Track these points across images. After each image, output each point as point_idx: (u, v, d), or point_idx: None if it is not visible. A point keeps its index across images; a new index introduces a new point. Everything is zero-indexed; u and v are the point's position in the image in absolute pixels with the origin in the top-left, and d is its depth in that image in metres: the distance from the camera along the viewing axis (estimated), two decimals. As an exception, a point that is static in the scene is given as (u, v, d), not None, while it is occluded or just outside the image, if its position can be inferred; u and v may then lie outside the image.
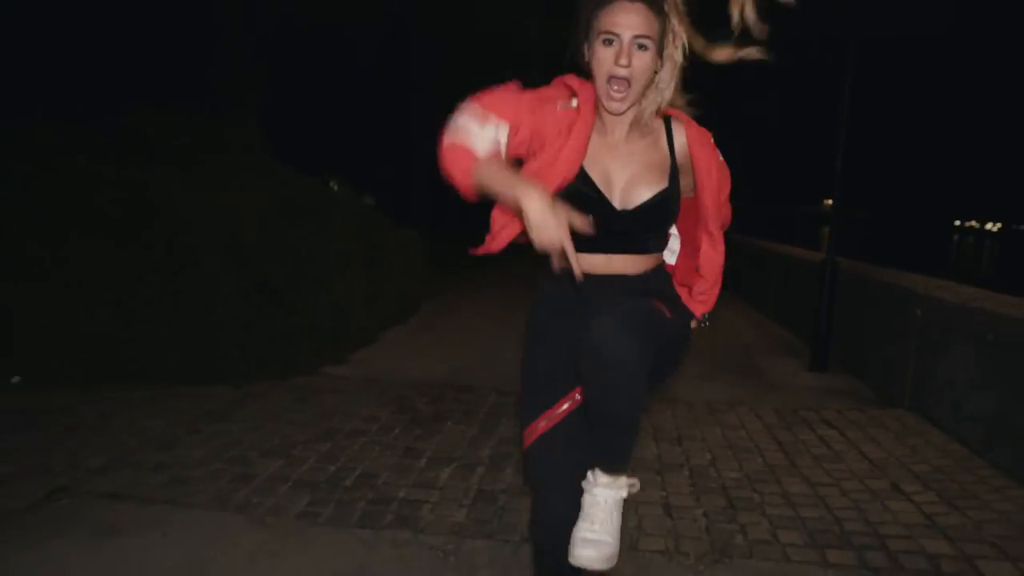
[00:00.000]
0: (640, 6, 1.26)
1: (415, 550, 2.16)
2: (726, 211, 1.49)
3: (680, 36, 1.33)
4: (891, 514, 2.47)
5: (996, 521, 2.40)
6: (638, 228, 1.37)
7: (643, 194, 1.34)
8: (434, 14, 9.77)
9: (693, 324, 1.52)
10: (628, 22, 1.25)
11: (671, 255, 1.56)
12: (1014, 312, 2.93)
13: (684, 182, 1.41)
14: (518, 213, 1.20)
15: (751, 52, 1.35)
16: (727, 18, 1.34)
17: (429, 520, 2.36)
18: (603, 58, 1.28)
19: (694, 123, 1.39)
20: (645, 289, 1.42)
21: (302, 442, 3.03)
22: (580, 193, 1.34)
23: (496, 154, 1.31)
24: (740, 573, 2.07)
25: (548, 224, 1.14)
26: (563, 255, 1.16)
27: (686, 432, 3.30)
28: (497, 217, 1.41)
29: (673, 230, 1.54)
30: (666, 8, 1.29)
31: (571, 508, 1.34)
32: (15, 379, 3.83)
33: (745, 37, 1.34)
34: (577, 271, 1.19)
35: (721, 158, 1.44)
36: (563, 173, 1.33)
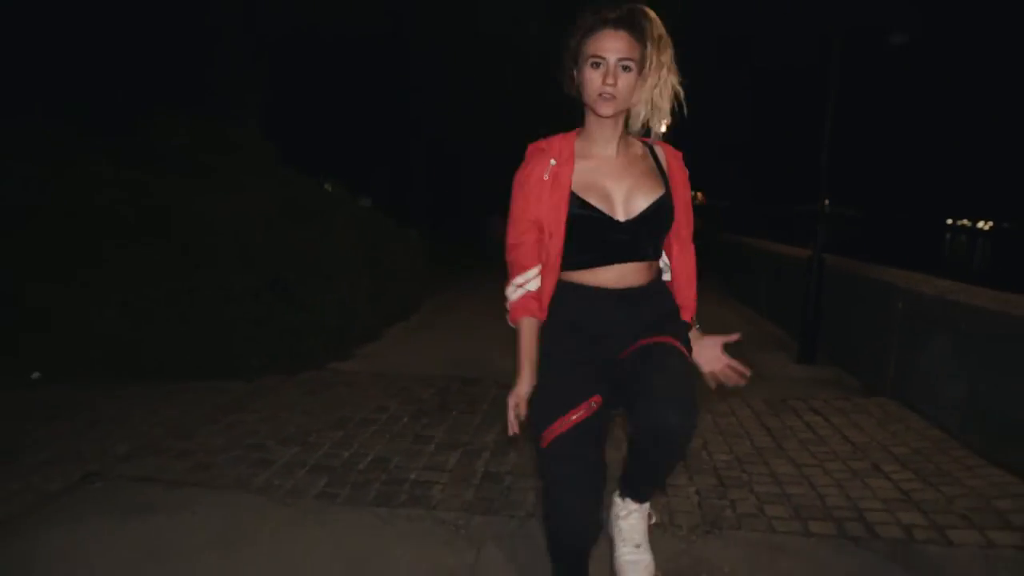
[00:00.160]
0: (623, 33, 1.45)
1: (429, 525, 2.33)
2: (692, 218, 1.70)
3: (660, 59, 1.50)
4: (870, 491, 2.64)
5: (967, 496, 2.59)
6: (641, 235, 1.53)
7: (642, 203, 1.51)
8: (434, 14, 9.89)
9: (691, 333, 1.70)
10: (614, 47, 1.44)
11: (666, 270, 1.73)
12: (984, 303, 3.12)
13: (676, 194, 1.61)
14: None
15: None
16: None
17: (440, 499, 2.53)
18: (592, 79, 1.46)
19: (668, 144, 1.61)
20: (652, 308, 1.59)
21: (316, 430, 3.19)
22: (583, 217, 1.52)
23: (534, 306, 1.59)
24: (729, 543, 2.24)
25: (510, 407, 1.53)
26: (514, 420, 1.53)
27: (680, 419, 3.47)
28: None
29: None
30: (646, 35, 1.47)
31: (581, 502, 1.50)
32: (35, 375, 3.98)
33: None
34: (511, 429, 1.54)
35: (687, 173, 1.65)
36: (564, 211, 1.52)
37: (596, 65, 1.45)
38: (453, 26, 9.96)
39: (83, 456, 2.81)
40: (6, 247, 3.88)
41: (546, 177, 1.53)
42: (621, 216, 1.52)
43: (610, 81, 1.44)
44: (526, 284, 1.58)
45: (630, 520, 1.69)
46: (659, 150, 1.62)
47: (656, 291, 1.63)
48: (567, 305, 1.59)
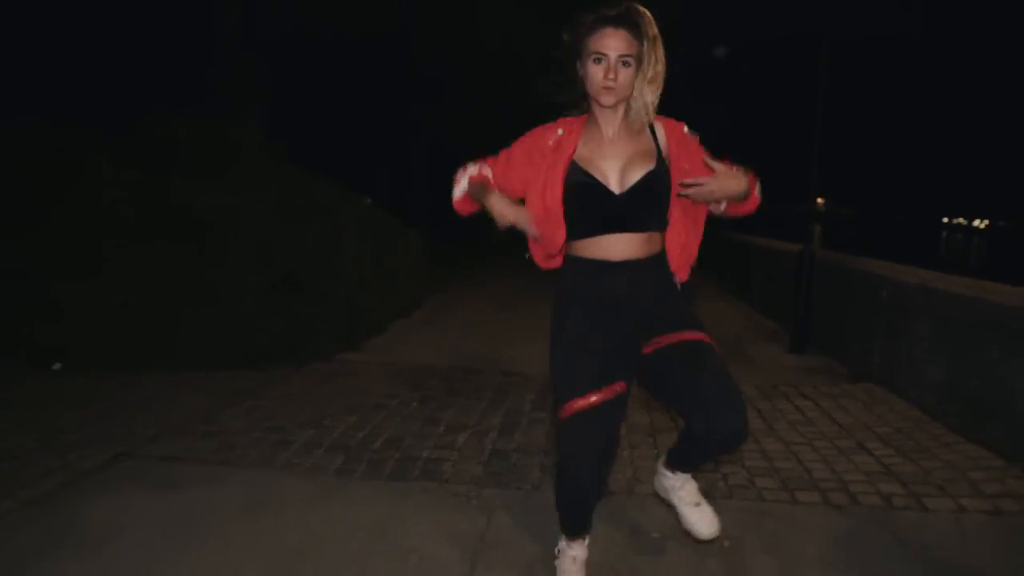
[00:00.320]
0: (623, 32, 1.62)
1: (442, 496, 2.50)
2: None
3: (655, 55, 1.66)
4: (854, 465, 2.82)
5: (943, 468, 2.77)
6: (637, 206, 1.69)
7: (634, 176, 1.68)
8: (434, 16, 9.98)
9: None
10: (614, 44, 1.61)
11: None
12: (961, 290, 3.31)
13: (675, 166, 1.71)
14: (488, 210, 1.67)
15: None
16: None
17: (451, 473, 2.70)
18: (594, 73, 1.63)
19: (669, 119, 1.76)
20: (656, 282, 1.74)
21: (330, 415, 3.36)
22: (582, 183, 1.69)
23: (481, 176, 1.76)
24: (721, 509, 2.38)
25: (505, 212, 1.63)
26: (527, 231, 1.66)
27: (676, 404, 3.65)
28: (535, 247, 1.81)
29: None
30: (643, 33, 1.63)
31: (591, 474, 1.69)
32: (56, 366, 4.14)
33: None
34: (533, 232, 1.67)
35: (692, 137, 1.76)
36: (561, 172, 1.69)
37: (598, 61, 1.62)
38: (454, 27, 10.08)
39: (113, 438, 2.98)
40: (29, 245, 4.05)
41: (551, 143, 1.73)
42: (616, 188, 1.68)
43: (611, 76, 1.61)
44: (467, 171, 1.79)
45: (687, 487, 1.94)
46: (659, 127, 1.76)
47: (659, 264, 1.76)
48: (574, 277, 1.76)
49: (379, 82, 12.01)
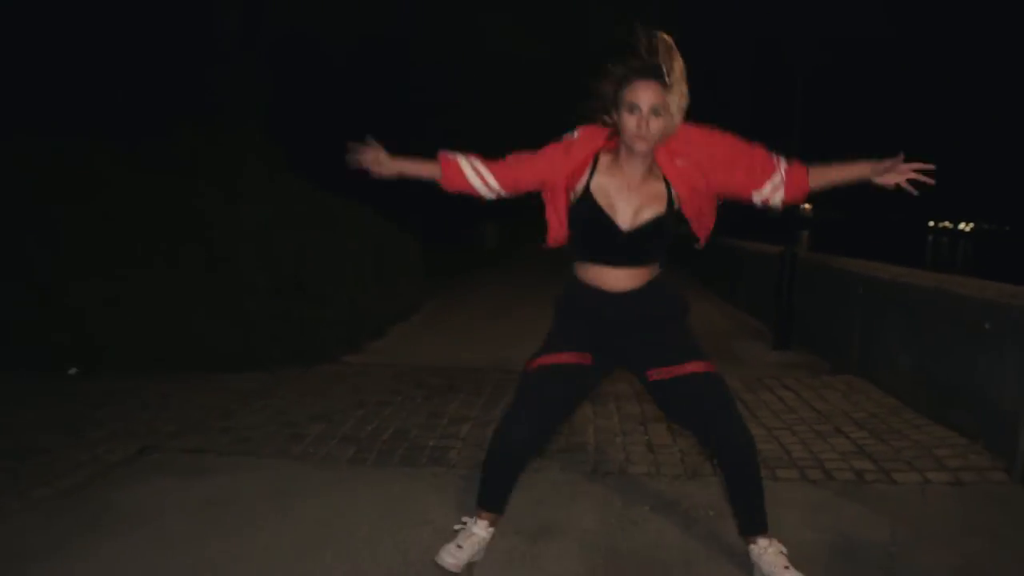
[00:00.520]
0: (654, 83, 1.76)
1: (451, 479, 2.70)
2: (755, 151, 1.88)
3: (682, 98, 1.82)
4: (830, 446, 3.05)
5: (912, 447, 2.99)
6: (642, 244, 1.87)
7: (645, 216, 1.85)
8: (435, 19, 10.05)
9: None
10: (646, 97, 1.75)
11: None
12: (928, 283, 3.55)
13: (682, 190, 1.88)
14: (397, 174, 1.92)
15: None
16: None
17: (457, 460, 2.90)
18: (628, 122, 1.78)
19: (663, 147, 1.86)
20: (651, 306, 1.93)
21: (340, 410, 3.55)
22: (594, 218, 1.86)
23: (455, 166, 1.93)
24: (707, 486, 2.63)
25: (376, 160, 1.90)
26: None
27: (665, 396, 3.87)
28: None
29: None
30: (670, 83, 1.78)
31: (531, 430, 1.87)
32: (72, 370, 4.31)
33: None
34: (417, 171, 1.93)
35: (695, 130, 1.89)
36: (573, 191, 1.89)
37: (632, 110, 1.77)
38: (454, 31, 10.14)
39: (137, 434, 3.16)
40: (47, 251, 4.23)
41: (563, 145, 1.90)
42: (625, 226, 1.85)
43: (644, 126, 1.76)
44: (478, 168, 1.91)
45: (768, 554, 1.90)
46: (656, 166, 1.87)
47: (654, 290, 1.95)
48: (572, 297, 1.98)
49: (380, 85, 12.12)
